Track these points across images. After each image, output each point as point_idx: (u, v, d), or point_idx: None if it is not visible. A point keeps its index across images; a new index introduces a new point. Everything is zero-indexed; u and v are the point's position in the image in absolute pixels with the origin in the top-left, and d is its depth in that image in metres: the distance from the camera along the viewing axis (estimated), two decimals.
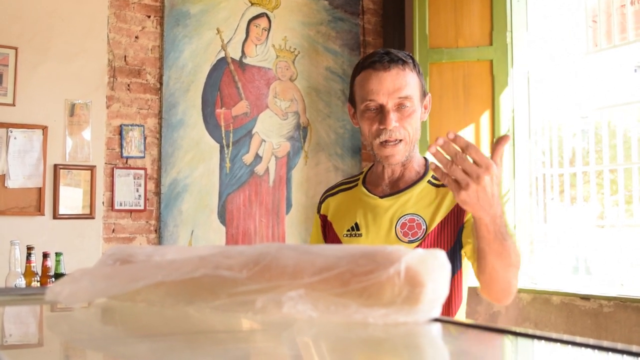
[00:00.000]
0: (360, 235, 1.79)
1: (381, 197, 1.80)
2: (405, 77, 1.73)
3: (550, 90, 4.34)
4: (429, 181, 1.78)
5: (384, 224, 1.76)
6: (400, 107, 1.72)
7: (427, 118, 1.84)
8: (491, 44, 4.14)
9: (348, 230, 1.82)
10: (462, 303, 1.76)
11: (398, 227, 1.74)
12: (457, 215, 1.72)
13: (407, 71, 1.74)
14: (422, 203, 1.75)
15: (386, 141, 1.73)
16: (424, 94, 1.80)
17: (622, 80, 4.22)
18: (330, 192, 1.96)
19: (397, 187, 1.80)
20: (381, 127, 1.72)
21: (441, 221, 1.72)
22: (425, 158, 1.86)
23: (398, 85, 1.71)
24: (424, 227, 1.72)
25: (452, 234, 1.72)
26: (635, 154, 3.83)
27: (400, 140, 1.73)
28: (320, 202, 1.96)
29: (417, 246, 1.69)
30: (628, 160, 3.89)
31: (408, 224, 1.73)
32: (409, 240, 1.72)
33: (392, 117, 1.70)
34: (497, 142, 1.40)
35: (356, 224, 1.80)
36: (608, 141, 3.98)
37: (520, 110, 4.12)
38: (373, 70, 1.74)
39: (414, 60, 1.79)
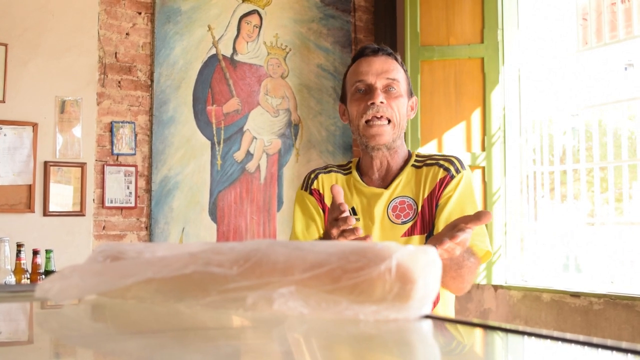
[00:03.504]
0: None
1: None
2: (393, 64, 1.78)
3: (541, 88, 4.35)
4: (412, 165, 1.81)
5: (378, 211, 1.77)
6: (388, 88, 1.75)
7: (412, 117, 1.88)
8: (482, 42, 4.15)
9: None
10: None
11: (389, 210, 1.76)
12: (436, 193, 1.75)
13: (395, 62, 1.79)
14: (409, 185, 1.78)
15: (373, 119, 1.73)
16: (410, 93, 1.83)
17: (613, 78, 4.24)
18: (321, 170, 1.89)
19: (387, 181, 1.81)
20: (369, 103, 1.73)
21: (425, 199, 1.75)
22: (409, 150, 1.88)
23: (387, 67, 1.76)
24: (414, 207, 1.75)
25: (434, 212, 1.76)
26: (626, 152, 3.85)
27: (389, 121, 1.74)
28: (312, 179, 1.86)
29: (411, 226, 1.73)
30: (618, 158, 3.91)
31: (399, 206, 1.76)
32: (402, 222, 1.74)
33: (380, 94, 1.73)
34: (478, 218, 1.38)
35: (353, 209, 1.81)
36: (598, 139, 3.99)
37: (511, 107, 4.14)
38: (363, 57, 1.79)
39: (402, 61, 1.84)
